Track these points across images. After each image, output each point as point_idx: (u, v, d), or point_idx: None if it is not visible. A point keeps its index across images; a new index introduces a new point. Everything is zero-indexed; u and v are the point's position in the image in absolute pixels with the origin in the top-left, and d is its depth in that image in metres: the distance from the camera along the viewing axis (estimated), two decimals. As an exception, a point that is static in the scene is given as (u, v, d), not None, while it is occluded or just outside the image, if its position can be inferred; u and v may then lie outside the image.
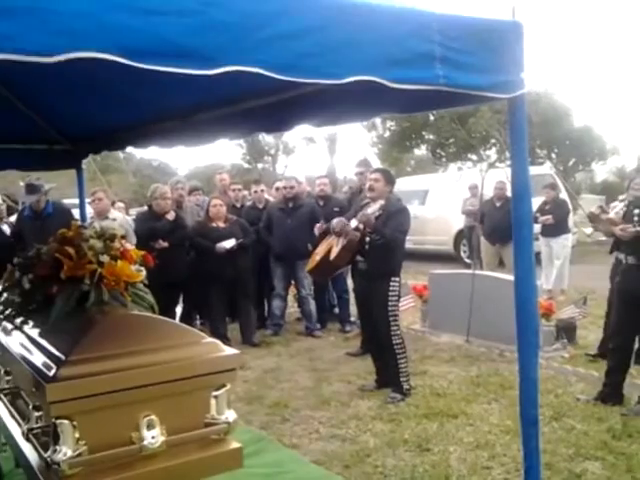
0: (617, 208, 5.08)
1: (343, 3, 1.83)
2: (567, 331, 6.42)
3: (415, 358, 6.00)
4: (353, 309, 6.93)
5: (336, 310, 7.93)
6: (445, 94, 2.08)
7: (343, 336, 7.28)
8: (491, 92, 2.17)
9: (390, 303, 5.02)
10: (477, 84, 2.13)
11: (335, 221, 5.25)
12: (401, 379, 5.05)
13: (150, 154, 57.62)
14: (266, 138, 43.52)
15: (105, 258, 2.60)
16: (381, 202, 4.97)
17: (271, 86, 2.71)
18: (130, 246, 2.92)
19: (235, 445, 2.39)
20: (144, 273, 2.78)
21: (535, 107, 21.44)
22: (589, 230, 11.53)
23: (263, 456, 3.87)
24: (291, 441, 4.23)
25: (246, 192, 8.55)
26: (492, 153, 23.60)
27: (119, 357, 2.19)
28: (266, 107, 2.99)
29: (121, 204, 8.79)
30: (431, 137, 25.82)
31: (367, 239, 5.04)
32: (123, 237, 2.86)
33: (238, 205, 7.91)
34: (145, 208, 7.24)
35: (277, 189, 8.08)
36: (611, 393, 4.69)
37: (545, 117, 21.46)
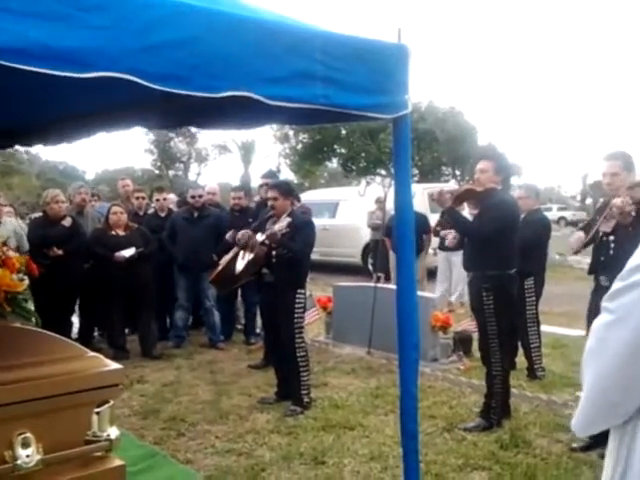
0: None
1: (221, 15, 1.79)
2: (463, 343, 6.62)
3: (317, 370, 6.02)
4: (258, 321, 6.89)
5: (242, 321, 7.84)
6: (326, 111, 2.08)
7: (247, 348, 7.20)
8: (374, 112, 2.19)
9: (296, 315, 5.05)
10: (359, 104, 2.15)
11: (240, 233, 5.22)
12: (302, 392, 5.06)
13: (56, 156, 55.56)
14: (178, 145, 42.94)
15: (-17, 267, 2.48)
16: (288, 219, 4.99)
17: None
18: (13, 253, 2.79)
19: (118, 462, 2.33)
20: (27, 282, 2.67)
21: (442, 125, 22.22)
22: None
23: (155, 472, 3.75)
24: (185, 456, 4.13)
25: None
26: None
27: (-8, 372, 2.08)
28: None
29: (10, 209, 7.90)
30: (343, 151, 26.20)
31: (274, 252, 5.04)
32: (4, 244, 2.74)
33: (141, 213, 7.69)
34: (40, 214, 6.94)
35: (193, 197, 7.74)
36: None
37: (450, 135, 22.25)
